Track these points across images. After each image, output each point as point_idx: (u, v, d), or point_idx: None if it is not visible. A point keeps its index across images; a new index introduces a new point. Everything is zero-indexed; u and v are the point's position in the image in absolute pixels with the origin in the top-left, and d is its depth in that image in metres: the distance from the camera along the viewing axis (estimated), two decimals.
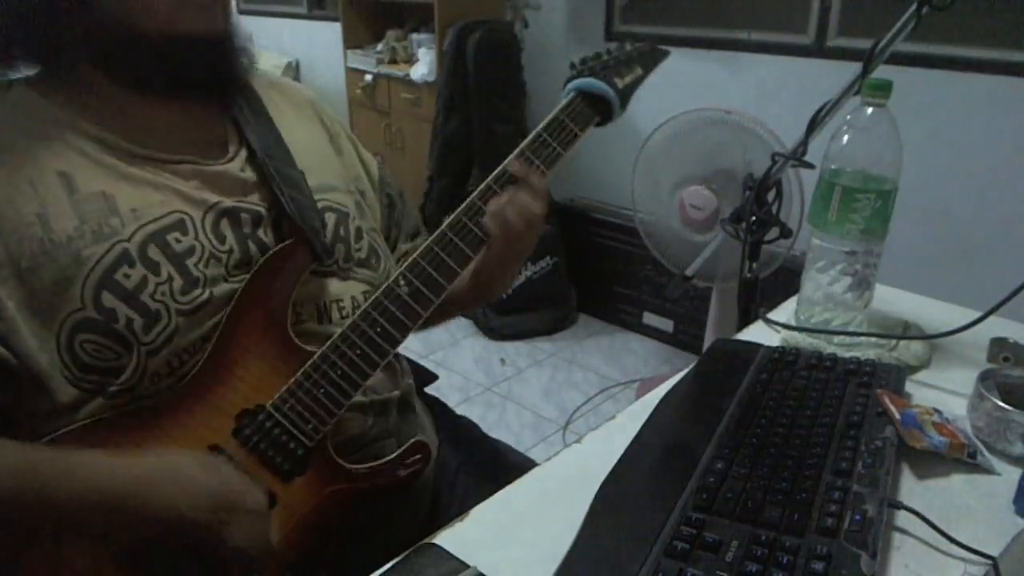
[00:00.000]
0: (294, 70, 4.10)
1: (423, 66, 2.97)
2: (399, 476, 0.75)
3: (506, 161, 0.80)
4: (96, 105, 0.71)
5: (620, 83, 0.87)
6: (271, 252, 0.74)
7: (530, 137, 0.81)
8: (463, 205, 0.77)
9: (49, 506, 0.60)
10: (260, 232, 0.75)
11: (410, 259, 0.75)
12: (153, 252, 0.68)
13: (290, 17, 4.02)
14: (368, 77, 3.27)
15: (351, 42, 3.35)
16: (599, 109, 0.86)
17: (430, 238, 0.76)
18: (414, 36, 3.18)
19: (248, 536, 0.65)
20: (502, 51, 2.76)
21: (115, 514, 0.62)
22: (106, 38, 0.69)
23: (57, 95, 0.71)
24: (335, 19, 3.41)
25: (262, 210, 0.75)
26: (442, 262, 0.75)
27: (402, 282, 0.74)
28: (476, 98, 2.76)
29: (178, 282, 0.69)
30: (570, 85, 0.85)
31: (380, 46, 3.26)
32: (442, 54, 2.80)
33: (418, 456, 0.76)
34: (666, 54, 0.95)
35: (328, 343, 0.72)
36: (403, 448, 0.76)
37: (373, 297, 0.73)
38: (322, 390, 0.71)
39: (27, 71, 0.72)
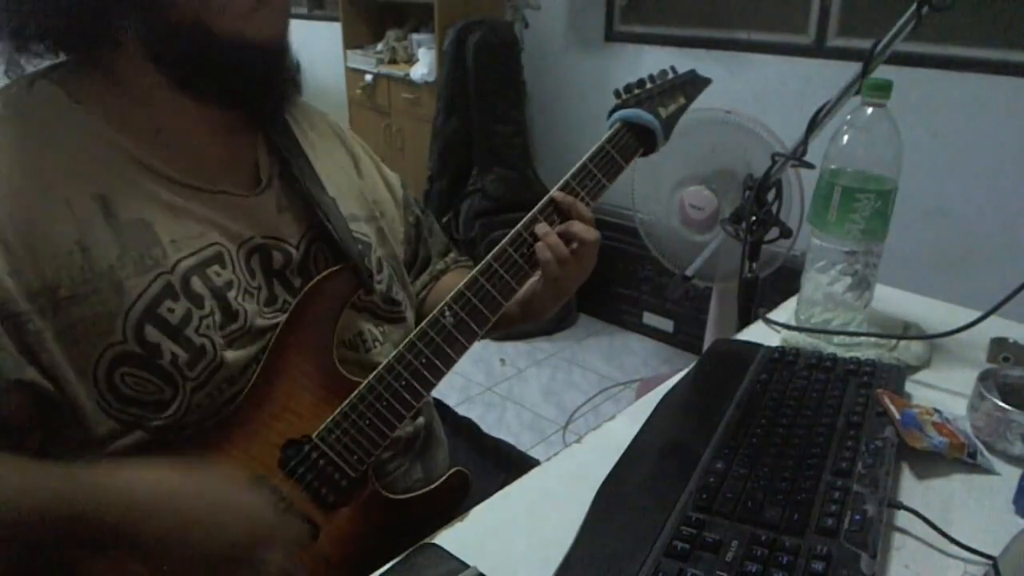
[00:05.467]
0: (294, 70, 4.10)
1: (423, 66, 2.97)
2: (439, 505, 0.76)
3: (552, 191, 0.79)
4: (132, 118, 0.67)
5: (664, 113, 0.86)
6: (317, 279, 0.72)
7: (576, 167, 0.80)
8: (508, 236, 0.76)
9: (89, 524, 0.59)
10: (288, 272, 0.74)
11: (455, 290, 0.74)
12: (196, 285, 0.66)
13: (290, 17, 4.01)
14: (368, 77, 3.27)
15: (351, 42, 3.35)
16: (643, 139, 0.85)
17: (475, 269, 0.75)
18: (414, 36, 3.19)
19: (283, 570, 0.64)
20: (502, 51, 2.76)
21: (160, 535, 0.60)
22: (167, 31, 0.64)
23: (89, 100, 0.66)
24: (335, 19, 3.41)
25: (292, 251, 0.74)
26: (487, 294, 0.74)
27: (447, 313, 0.73)
28: (476, 98, 2.76)
29: (219, 316, 0.67)
30: (615, 116, 0.84)
31: (380, 46, 3.26)
32: (442, 54, 2.80)
33: (456, 486, 0.77)
34: (708, 81, 0.94)
35: (374, 374, 0.71)
36: (443, 478, 0.76)
37: (419, 328, 0.72)
38: (367, 421, 0.70)
39: (49, 59, 0.67)
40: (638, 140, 0.84)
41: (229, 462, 0.68)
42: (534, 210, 0.78)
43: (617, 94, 0.85)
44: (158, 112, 0.68)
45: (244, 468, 0.68)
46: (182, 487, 0.62)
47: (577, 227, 0.77)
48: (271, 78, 0.71)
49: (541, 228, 0.77)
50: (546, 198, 0.78)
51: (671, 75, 0.91)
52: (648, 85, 0.87)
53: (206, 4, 0.63)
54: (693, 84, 0.93)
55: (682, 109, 0.89)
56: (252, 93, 0.71)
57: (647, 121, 0.84)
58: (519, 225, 0.77)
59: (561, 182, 0.80)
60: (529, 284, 0.78)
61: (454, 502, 0.77)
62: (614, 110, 0.85)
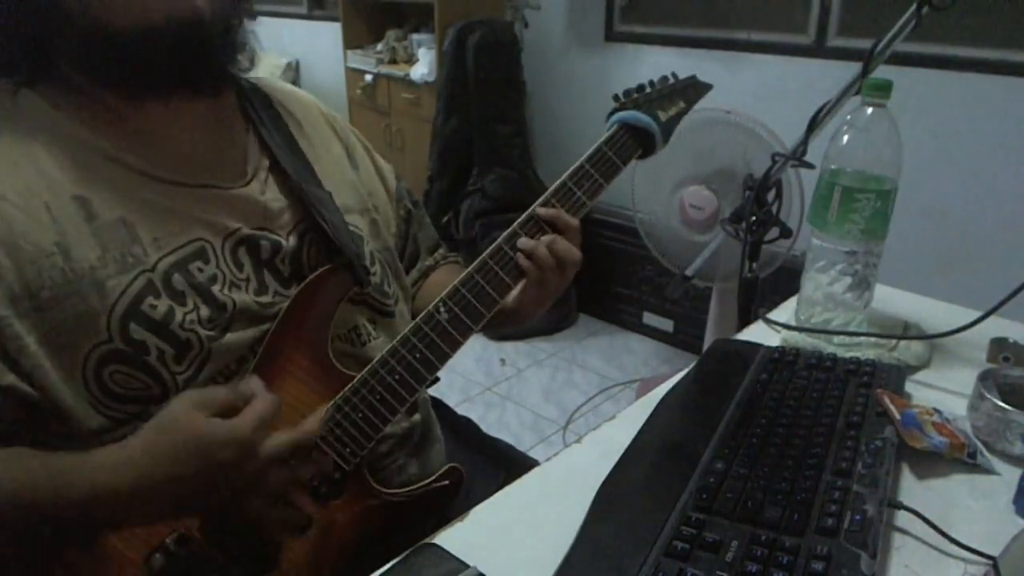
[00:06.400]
0: (294, 70, 4.10)
1: (423, 66, 2.97)
2: (432, 501, 0.76)
3: (539, 200, 0.79)
4: (108, 120, 0.67)
5: (663, 116, 0.87)
6: (314, 275, 0.73)
7: (573, 168, 0.81)
8: (504, 234, 0.77)
9: (69, 507, 0.59)
10: (277, 261, 0.74)
11: (450, 287, 0.74)
12: (177, 282, 0.67)
13: (290, 17, 4.02)
14: (368, 77, 3.27)
15: (351, 42, 3.35)
16: (642, 142, 0.85)
17: (471, 266, 0.76)
18: (414, 36, 3.19)
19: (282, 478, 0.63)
20: (502, 51, 2.76)
21: (142, 500, 0.60)
22: (77, 39, 0.64)
23: (68, 107, 0.67)
24: (335, 19, 3.41)
25: (282, 240, 0.74)
26: (482, 290, 0.75)
27: (442, 309, 0.73)
28: (476, 98, 2.76)
29: (204, 310, 0.67)
30: (614, 117, 0.85)
31: (380, 46, 3.26)
32: (442, 54, 2.80)
33: (450, 482, 0.77)
34: (708, 87, 0.95)
35: (367, 368, 0.71)
36: (437, 474, 0.76)
37: (413, 324, 0.73)
38: (360, 414, 0.70)
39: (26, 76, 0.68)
40: (636, 142, 0.85)
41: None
42: (529, 210, 0.79)
43: (616, 98, 0.86)
44: (134, 117, 0.68)
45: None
46: (150, 454, 0.60)
47: (559, 245, 0.77)
48: (197, 60, 0.68)
49: (523, 242, 0.77)
50: (529, 211, 0.79)
51: (671, 80, 0.92)
52: (648, 90, 0.88)
53: (94, 5, 0.62)
54: (694, 89, 0.93)
55: (682, 113, 0.90)
56: (185, 81, 0.69)
57: (645, 123, 0.84)
58: (515, 224, 0.78)
59: (558, 182, 0.80)
60: (520, 286, 0.79)
61: (447, 498, 0.77)
62: (613, 112, 0.85)
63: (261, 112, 0.79)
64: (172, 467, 0.59)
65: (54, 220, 0.63)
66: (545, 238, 0.77)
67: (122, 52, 0.64)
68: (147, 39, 0.64)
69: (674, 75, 0.92)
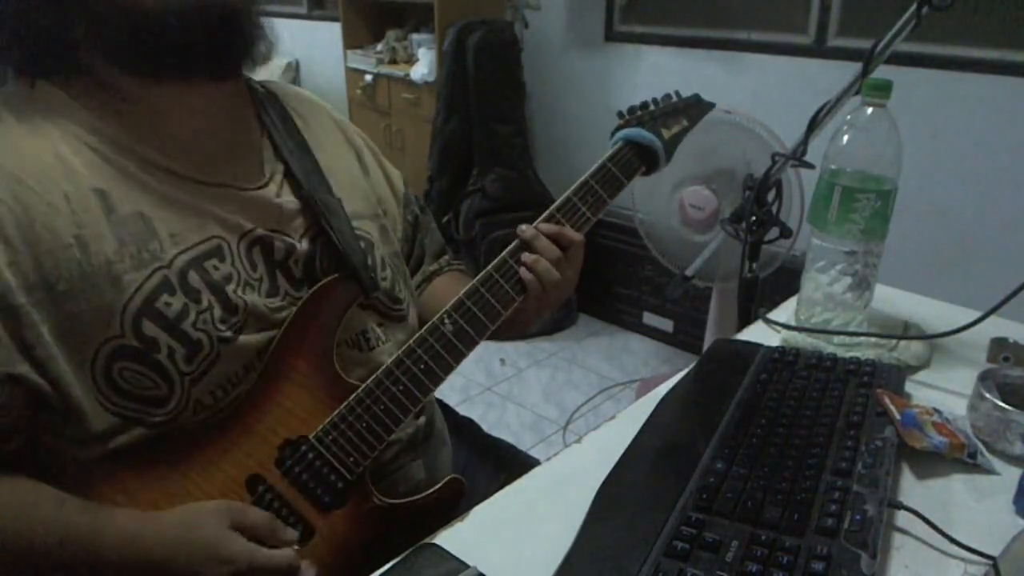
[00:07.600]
0: (294, 70, 4.10)
1: (423, 66, 2.97)
2: (434, 510, 0.76)
3: (548, 210, 0.80)
4: (130, 114, 0.68)
5: (667, 134, 0.88)
6: (320, 284, 0.74)
7: (577, 184, 0.82)
8: (507, 249, 0.78)
9: (78, 565, 0.60)
10: (291, 263, 0.74)
11: (455, 299, 0.75)
12: (193, 279, 0.67)
13: (290, 17, 4.02)
14: (368, 77, 3.27)
15: (351, 42, 3.35)
16: (645, 159, 0.87)
17: (475, 279, 0.76)
18: (414, 36, 3.19)
19: None
20: (502, 51, 2.76)
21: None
22: (104, 22, 0.64)
23: (88, 99, 0.67)
24: (335, 19, 3.41)
25: (295, 242, 0.74)
26: (487, 303, 0.76)
27: (447, 321, 0.74)
28: (476, 98, 2.77)
29: (218, 310, 0.67)
30: (618, 135, 0.86)
31: (380, 46, 3.26)
32: (442, 54, 2.80)
33: (453, 492, 0.77)
34: (711, 106, 0.97)
35: (372, 378, 0.72)
36: (439, 485, 0.77)
37: (418, 335, 0.73)
38: (364, 424, 0.71)
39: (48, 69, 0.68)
40: (640, 159, 0.86)
41: (226, 461, 0.68)
42: (537, 221, 0.79)
43: (620, 115, 0.87)
44: (152, 109, 0.68)
45: (240, 467, 0.68)
46: (164, 528, 0.63)
47: (541, 266, 0.78)
48: (224, 45, 0.68)
49: (526, 256, 0.78)
50: (533, 225, 0.79)
51: (674, 98, 0.93)
52: (651, 107, 0.89)
53: None
54: (697, 107, 0.95)
55: (684, 131, 0.91)
56: (204, 57, 0.68)
57: (649, 140, 0.86)
58: (516, 242, 0.79)
59: (563, 197, 0.81)
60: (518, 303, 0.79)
61: (449, 508, 0.77)
62: (617, 129, 0.86)
63: (275, 118, 0.79)
64: (185, 562, 0.62)
65: (73, 211, 0.63)
66: (540, 242, 0.78)
67: (149, 32, 0.64)
68: (177, 20, 0.64)
69: (677, 93, 0.94)
